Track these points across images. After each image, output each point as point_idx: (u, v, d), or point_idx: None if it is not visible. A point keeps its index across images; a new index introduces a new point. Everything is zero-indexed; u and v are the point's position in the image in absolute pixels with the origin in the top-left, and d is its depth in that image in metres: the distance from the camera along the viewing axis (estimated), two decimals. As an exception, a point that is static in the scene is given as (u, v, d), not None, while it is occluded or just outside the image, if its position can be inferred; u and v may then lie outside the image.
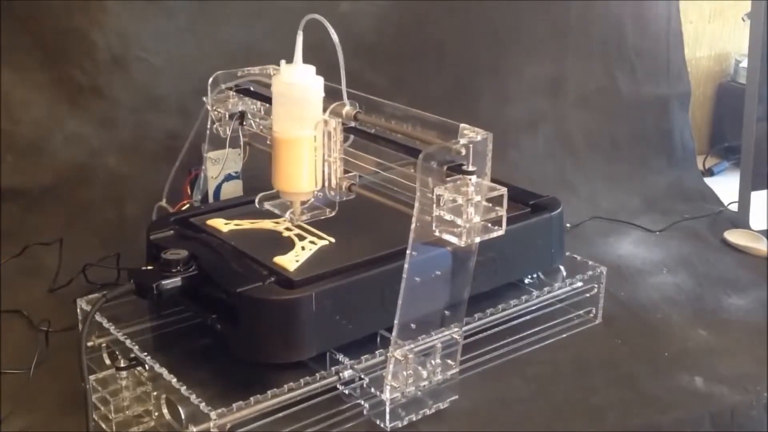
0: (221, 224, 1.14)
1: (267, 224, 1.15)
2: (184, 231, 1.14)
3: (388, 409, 0.96)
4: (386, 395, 0.95)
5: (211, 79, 1.20)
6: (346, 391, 0.98)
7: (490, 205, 0.91)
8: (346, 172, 1.06)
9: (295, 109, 1.02)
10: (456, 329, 0.98)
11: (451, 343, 0.98)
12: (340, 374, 0.97)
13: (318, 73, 1.04)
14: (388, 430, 0.96)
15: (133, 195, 1.40)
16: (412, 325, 0.95)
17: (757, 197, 1.62)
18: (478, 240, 0.91)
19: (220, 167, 1.27)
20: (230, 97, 1.21)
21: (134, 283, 0.99)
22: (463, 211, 0.89)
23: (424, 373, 0.97)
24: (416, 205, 0.91)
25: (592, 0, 1.74)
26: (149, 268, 1.02)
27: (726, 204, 1.68)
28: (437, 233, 0.91)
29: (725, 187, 1.76)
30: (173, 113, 1.43)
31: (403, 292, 0.92)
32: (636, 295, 1.31)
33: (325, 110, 1.03)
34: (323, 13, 1.01)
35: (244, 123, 1.20)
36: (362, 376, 0.98)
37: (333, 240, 1.10)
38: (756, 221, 1.60)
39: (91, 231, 1.35)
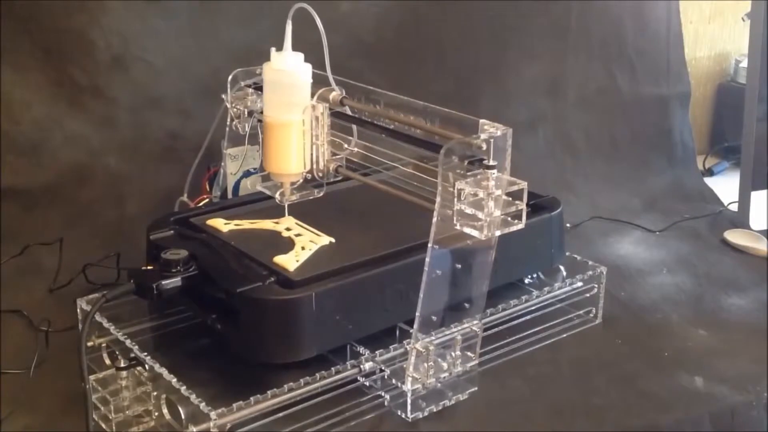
0: (221, 224, 1.14)
1: (267, 224, 1.15)
2: (184, 231, 1.14)
3: (409, 401, 0.97)
4: (408, 386, 0.97)
5: (230, 77, 1.21)
6: (367, 383, 0.99)
7: (510, 199, 0.92)
8: (333, 155, 1.11)
9: (284, 95, 1.08)
10: (476, 322, 0.99)
11: (470, 336, 0.99)
12: (361, 366, 0.98)
13: (320, 68, 1.07)
14: (410, 420, 0.97)
15: (133, 195, 1.40)
16: (433, 317, 0.96)
17: (757, 197, 1.62)
18: (498, 233, 0.93)
19: (240, 163, 1.29)
20: (249, 94, 1.23)
21: (134, 283, 0.99)
22: (484, 204, 0.90)
23: (445, 365, 0.98)
24: (437, 199, 0.93)
25: (592, 0, 1.74)
26: (149, 268, 1.02)
27: (726, 204, 1.68)
28: (458, 227, 0.92)
29: (725, 187, 1.76)
30: (173, 113, 1.43)
31: (425, 285, 0.93)
32: (636, 295, 1.31)
33: (312, 95, 1.08)
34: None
35: (261, 119, 1.22)
36: (383, 368, 0.99)
37: (333, 240, 1.10)
38: (756, 221, 1.60)
39: (91, 231, 1.35)
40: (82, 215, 1.37)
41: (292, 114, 1.08)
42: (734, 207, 1.65)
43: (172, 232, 1.13)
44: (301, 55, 1.07)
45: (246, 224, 1.15)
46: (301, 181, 1.13)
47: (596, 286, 1.20)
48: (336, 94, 1.08)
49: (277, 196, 1.12)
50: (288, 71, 1.06)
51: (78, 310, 1.07)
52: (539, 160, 1.68)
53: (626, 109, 1.80)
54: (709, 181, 1.83)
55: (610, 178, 1.72)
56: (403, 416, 0.98)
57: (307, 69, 1.07)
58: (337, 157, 1.11)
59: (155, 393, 0.95)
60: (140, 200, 1.39)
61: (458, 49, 1.65)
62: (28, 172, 1.35)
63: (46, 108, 1.37)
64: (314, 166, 1.11)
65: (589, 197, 1.66)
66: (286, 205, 1.14)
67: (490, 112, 1.02)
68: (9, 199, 1.34)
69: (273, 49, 1.06)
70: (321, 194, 1.14)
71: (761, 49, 1.59)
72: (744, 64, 1.95)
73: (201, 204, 1.27)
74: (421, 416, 0.98)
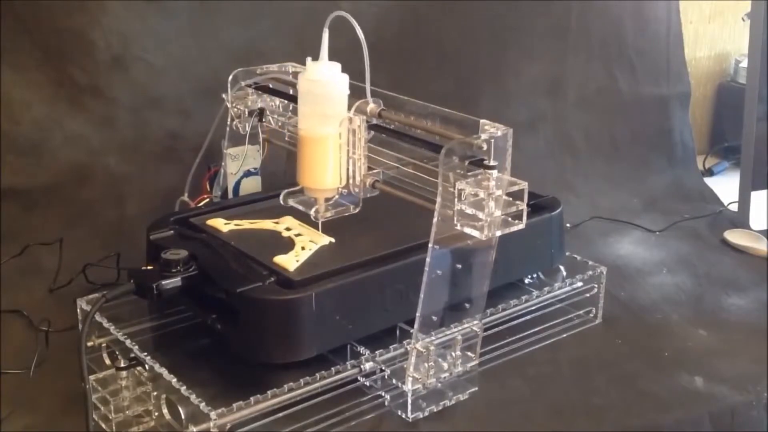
0: (221, 224, 1.14)
1: (267, 224, 1.15)
2: (184, 231, 1.14)
3: (410, 401, 0.97)
4: (408, 386, 0.97)
5: (231, 77, 1.21)
6: (367, 383, 0.99)
7: (511, 199, 0.92)
8: (369, 168, 1.07)
9: (320, 107, 1.04)
10: (476, 322, 0.99)
11: (471, 336, 0.99)
12: (362, 366, 0.98)
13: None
14: (410, 420, 0.97)
15: (133, 195, 1.40)
16: (433, 317, 0.96)
17: (757, 197, 1.62)
18: (498, 233, 0.93)
19: (240, 163, 1.28)
20: (249, 94, 1.23)
21: (134, 283, 0.99)
22: (485, 205, 0.91)
23: (445, 365, 0.98)
24: (438, 199, 0.93)
25: (592, 0, 1.74)
26: (149, 268, 1.02)
27: (726, 204, 1.68)
28: (459, 227, 0.92)
29: (725, 187, 1.76)
30: (173, 113, 1.43)
31: (425, 285, 0.93)
32: (636, 295, 1.31)
33: (349, 108, 1.05)
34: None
35: (263, 120, 1.22)
36: (383, 368, 0.99)
37: (333, 240, 1.10)
38: (756, 221, 1.60)
39: (91, 231, 1.35)
40: (82, 215, 1.37)
41: (328, 127, 1.04)
42: (734, 207, 1.65)
43: (172, 232, 1.13)
44: (338, 65, 1.03)
45: (246, 224, 1.15)
46: (336, 196, 1.09)
47: (596, 286, 1.20)
48: (373, 106, 1.04)
49: (311, 212, 1.08)
50: (324, 82, 1.02)
51: (78, 310, 1.07)
52: (539, 160, 1.68)
53: (626, 109, 1.80)
54: (709, 181, 1.83)
55: (610, 178, 1.72)
56: (404, 416, 0.98)
57: (344, 80, 1.04)
58: (374, 171, 1.07)
59: (155, 393, 0.95)
60: (140, 200, 1.39)
61: (458, 49, 1.65)
62: (28, 172, 1.35)
63: (46, 108, 1.36)
64: (350, 181, 1.07)
65: (589, 197, 1.66)
66: (320, 222, 1.10)
67: (490, 112, 1.03)
68: (9, 199, 1.34)
69: (309, 59, 1.03)
70: (357, 210, 1.10)
71: (761, 49, 1.59)
72: (744, 64, 1.95)
73: (201, 204, 1.27)
74: (421, 416, 0.98)
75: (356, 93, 1.07)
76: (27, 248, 1.29)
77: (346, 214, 1.10)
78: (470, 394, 1.01)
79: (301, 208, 1.09)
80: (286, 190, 1.10)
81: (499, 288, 1.13)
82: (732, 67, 2.12)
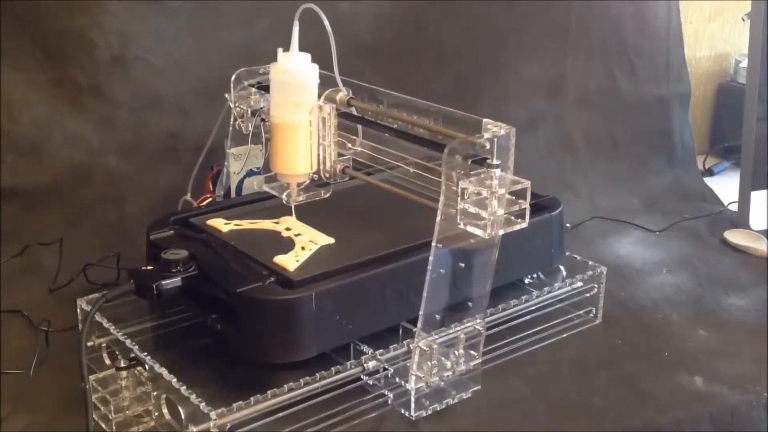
0: (221, 224, 1.14)
1: (267, 224, 1.15)
2: (184, 231, 1.14)
3: (413, 399, 0.97)
4: (411, 385, 0.97)
5: (234, 76, 1.22)
6: (370, 382, 1.00)
7: (513, 198, 0.93)
8: (340, 155, 1.11)
9: (291, 95, 1.07)
10: (479, 320, 1.00)
11: (474, 334, 1.00)
12: (365, 365, 0.98)
13: (322, 68, 1.08)
14: (413, 419, 0.98)
15: (133, 195, 1.40)
16: (436, 316, 0.96)
17: (757, 197, 1.62)
18: (501, 232, 0.93)
19: (243, 163, 1.29)
20: (252, 93, 1.23)
21: (134, 283, 0.99)
22: (488, 203, 0.91)
23: (448, 364, 0.98)
24: (441, 198, 0.93)
25: (592, 0, 1.74)
26: (149, 268, 1.02)
27: (726, 204, 1.68)
28: (462, 226, 0.92)
29: (725, 187, 1.76)
30: (173, 113, 1.43)
31: (428, 284, 0.93)
32: (636, 295, 1.31)
33: (321, 96, 1.08)
34: (324, 13, 1.02)
35: (266, 119, 1.22)
36: (387, 367, 0.99)
37: (333, 240, 1.10)
38: (756, 221, 1.60)
39: (91, 231, 1.35)
40: (82, 215, 1.37)
41: (299, 115, 1.07)
42: (734, 207, 1.65)
43: (172, 232, 1.13)
44: (308, 56, 1.07)
45: (246, 224, 1.15)
46: (308, 181, 1.13)
47: (596, 286, 1.20)
48: (343, 94, 1.08)
49: (283, 196, 1.12)
50: (295, 72, 1.06)
51: (78, 310, 1.07)
52: (539, 160, 1.68)
53: (626, 109, 1.80)
54: (709, 181, 1.83)
55: (610, 178, 1.72)
56: (407, 414, 0.98)
57: (314, 70, 1.07)
58: (344, 157, 1.11)
59: (155, 393, 0.95)
60: (140, 200, 1.39)
61: (458, 49, 1.65)
62: (28, 172, 1.35)
63: (46, 108, 1.37)
64: (321, 167, 1.11)
65: (589, 197, 1.66)
66: (293, 206, 1.14)
67: (490, 112, 1.03)
68: (9, 199, 1.34)
69: (280, 50, 1.06)
70: (327, 195, 1.15)
71: (761, 49, 1.59)
72: (744, 64, 1.95)
73: (204, 203, 1.27)
74: (424, 414, 0.98)
75: (355, 91, 1.09)
76: (27, 248, 1.29)
77: (317, 198, 1.14)
78: (473, 393, 1.01)
79: (274, 193, 1.13)
80: (261, 175, 1.14)
81: (500, 288, 1.13)
82: (732, 67, 2.12)
